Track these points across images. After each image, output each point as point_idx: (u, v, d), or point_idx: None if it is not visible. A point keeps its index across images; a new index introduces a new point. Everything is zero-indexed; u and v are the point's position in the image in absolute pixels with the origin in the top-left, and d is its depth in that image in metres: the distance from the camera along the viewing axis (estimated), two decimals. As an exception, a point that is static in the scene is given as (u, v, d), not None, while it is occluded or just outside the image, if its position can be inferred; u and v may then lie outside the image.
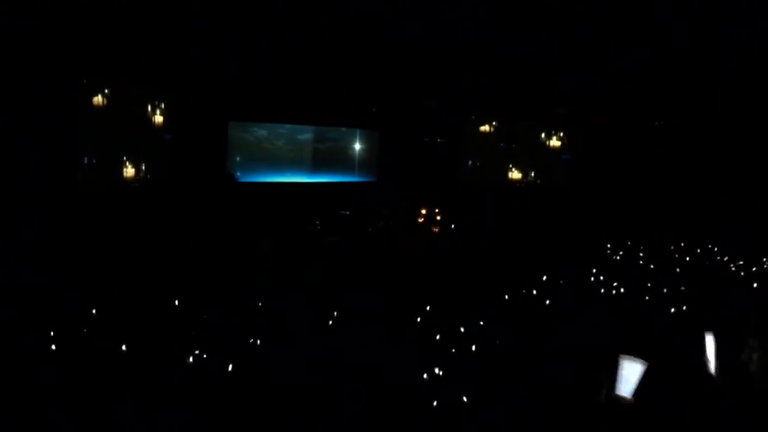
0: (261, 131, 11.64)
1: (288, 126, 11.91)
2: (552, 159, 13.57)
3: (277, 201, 10.95)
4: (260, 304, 6.06)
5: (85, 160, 8.97)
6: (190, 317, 5.57)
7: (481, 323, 5.80)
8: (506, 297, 6.68)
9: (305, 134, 12.14)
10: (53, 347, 4.72)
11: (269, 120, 11.70)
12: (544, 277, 7.50)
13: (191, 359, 4.68)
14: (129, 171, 9.75)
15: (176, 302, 5.94)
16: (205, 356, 4.75)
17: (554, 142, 13.63)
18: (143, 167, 9.95)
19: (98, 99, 9.13)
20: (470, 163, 13.60)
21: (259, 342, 5.11)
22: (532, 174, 13.65)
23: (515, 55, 12.06)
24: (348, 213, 11.07)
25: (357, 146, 12.78)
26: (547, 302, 6.56)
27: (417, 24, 11.23)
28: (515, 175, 13.63)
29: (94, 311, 5.51)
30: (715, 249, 9.90)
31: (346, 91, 11.89)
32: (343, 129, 12.61)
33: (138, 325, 5.28)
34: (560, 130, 13.52)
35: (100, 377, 4.33)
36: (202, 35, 10.01)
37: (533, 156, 13.58)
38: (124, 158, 9.67)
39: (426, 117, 12.82)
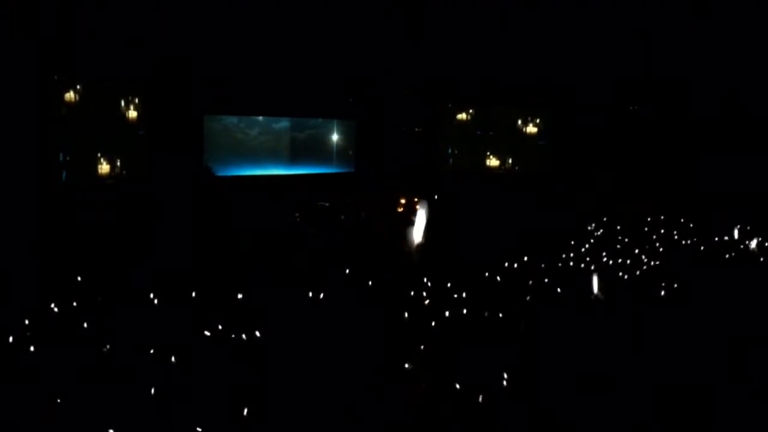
0: (237, 124, 11.55)
1: (264, 118, 11.84)
2: (529, 144, 13.66)
3: (255, 194, 10.90)
4: (241, 296, 6.05)
5: (59, 158, 8.86)
6: (171, 313, 5.55)
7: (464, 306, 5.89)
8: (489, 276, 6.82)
9: (282, 126, 12.08)
10: (30, 348, 4.68)
11: (245, 112, 11.61)
12: (525, 258, 7.80)
13: (173, 358, 4.65)
14: (104, 167, 9.65)
15: (155, 298, 5.91)
16: (184, 352, 4.73)
17: (530, 128, 13.71)
18: (118, 163, 9.85)
19: (70, 95, 9.02)
20: (448, 150, 13.64)
21: (243, 336, 5.11)
22: (510, 160, 13.71)
23: (490, 42, 12.10)
24: (327, 204, 11.04)
25: (334, 137, 12.74)
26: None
27: (392, 13, 11.22)
28: (493, 161, 13.69)
29: (70, 309, 5.46)
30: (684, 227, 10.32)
31: (322, 82, 11.85)
32: (320, 120, 12.56)
33: (117, 323, 5.26)
34: (536, 116, 13.60)
35: (76, 377, 4.30)
36: (175, 28, 9.90)
37: (510, 142, 13.66)
38: (99, 154, 9.56)
39: (403, 106, 12.81)
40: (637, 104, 12.98)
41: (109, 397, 4.08)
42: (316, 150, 12.55)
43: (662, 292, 6.79)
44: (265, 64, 11.09)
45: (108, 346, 4.73)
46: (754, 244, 9.03)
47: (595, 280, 6.88)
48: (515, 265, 7.64)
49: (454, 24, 11.67)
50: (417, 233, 8.35)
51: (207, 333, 5.16)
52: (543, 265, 7.68)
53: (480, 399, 4.20)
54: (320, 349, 4.93)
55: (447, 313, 5.80)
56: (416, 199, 7.56)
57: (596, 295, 6.64)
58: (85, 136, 9.25)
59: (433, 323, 5.57)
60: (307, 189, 11.54)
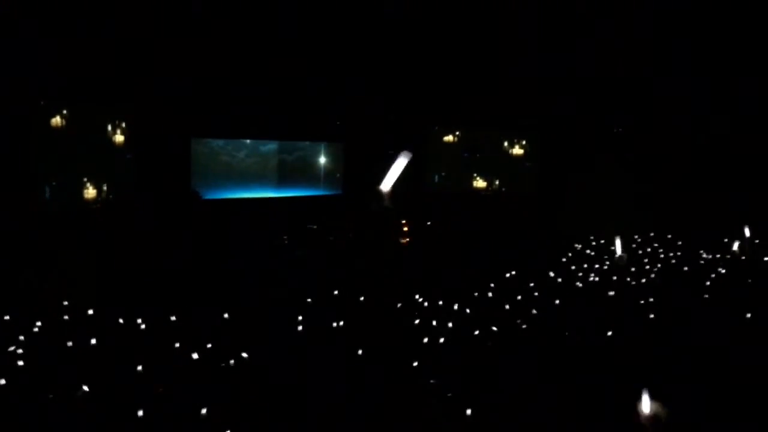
0: (224, 147, 11.53)
1: (252, 141, 11.82)
2: (515, 166, 13.72)
3: (243, 217, 10.86)
4: (229, 319, 6.00)
5: (44, 183, 8.80)
6: (157, 339, 5.48)
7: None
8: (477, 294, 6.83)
9: (269, 148, 12.07)
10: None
11: (232, 136, 11.59)
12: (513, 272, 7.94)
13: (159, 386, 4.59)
14: (90, 192, 9.58)
15: (142, 324, 5.86)
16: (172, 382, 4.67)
17: (517, 150, 13.79)
18: (104, 187, 9.78)
19: (56, 120, 8.99)
20: (435, 173, 13.67)
21: (231, 362, 5.05)
22: (497, 182, 13.77)
23: (476, 66, 12.21)
24: (315, 227, 11.02)
25: (322, 159, 12.74)
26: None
27: (379, 35, 11.31)
28: (480, 183, 13.74)
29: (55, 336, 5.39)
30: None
31: (309, 105, 11.87)
32: (308, 143, 12.57)
33: (102, 349, 5.19)
34: (522, 139, 13.69)
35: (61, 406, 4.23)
36: (160, 52, 9.92)
37: (497, 164, 13.72)
38: (85, 179, 9.50)
39: (390, 129, 12.85)
40: (621, 125, 13.13)
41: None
42: (303, 172, 12.54)
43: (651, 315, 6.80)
44: (252, 87, 11.10)
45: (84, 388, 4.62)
46: (735, 246, 9.22)
47: (618, 242, 7.10)
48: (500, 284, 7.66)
49: (441, 46, 11.78)
50: (388, 181, 8.30)
51: (195, 356, 5.11)
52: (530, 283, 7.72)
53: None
54: (309, 370, 4.89)
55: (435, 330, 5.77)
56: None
57: (619, 257, 6.89)
58: (70, 161, 9.20)
59: (425, 340, 5.55)
60: (295, 211, 11.52)
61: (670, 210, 11.80)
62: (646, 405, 4.22)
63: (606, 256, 9.07)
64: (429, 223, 11.73)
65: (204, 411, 4.20)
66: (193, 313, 6.12)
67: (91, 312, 6.13)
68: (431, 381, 4.50)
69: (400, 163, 8.24)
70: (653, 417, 4.49)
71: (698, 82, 11.87)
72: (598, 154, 12.88)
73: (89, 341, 5.36)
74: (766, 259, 9.20)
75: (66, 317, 6.00)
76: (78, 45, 8.86)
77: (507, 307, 6.72)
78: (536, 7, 11.32)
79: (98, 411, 4.19)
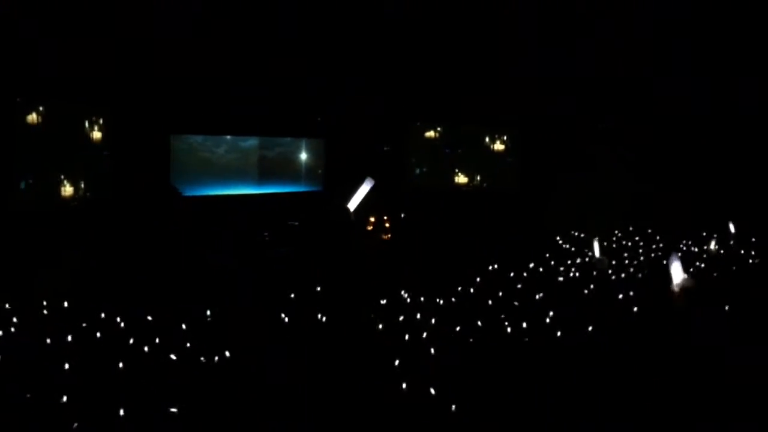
0: (204, 144, 11.43)
1: (232, 137, 11.74)
2: (497, 162, 13.76)
3: (223, 214, 10.78)
4: (212, 317, 5.95)
5: (21, 181, 8.67)
6: (137, 337, 5.41)
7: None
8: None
9: (250, 144, 11.99)
10: None
11: (212, 132, 11.50)
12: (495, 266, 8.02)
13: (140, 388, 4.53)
14: (67, 190, 9.46)
15: (122, 323, 5.79)
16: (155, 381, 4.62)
17: (498, 146, 13.83)
18: (82, 185, 9.66)
19: (33, 117, 8.86)
20: (416, 169, 13.67)
21: (216, 358, 5.00)
22: (478, 177, 13.80)
23: (457, 61, 12.21)
24: (297, 223, 10.97)
25: (303, 156, 12.69)
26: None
27: (360, 32, 11.27)
28: (461, 179, 13.76)
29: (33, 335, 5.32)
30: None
31: (290, 101, 11.80)
32: (289, 139, 12.51)
33: (83, 352, 5.13)
34: (504, 135, 13.73)
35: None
36: (138, 48, 9.80)
37: (478, 160, 13.75)
38: (62, 177, 9.38)
39: (371, 124, 12.82)
40: (603, 120, 13.21)
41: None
42: (284, 169, 12.48)
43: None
44: (231, 83, 11.02)
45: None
46: (712, 245, 9.29)
47: (596, 245, 7.07)
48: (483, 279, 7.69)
49: (422, 42, 11.76)
50: (353, 203, 8.41)
51: (173, 357, 5.05)
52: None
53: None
54: (292, 368, 4.85)
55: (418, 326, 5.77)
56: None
57: (599, 260, 6.85)
58: (47, 159, 9.07)
59: (406, 337, 5.54)
60: (276, 208, 11.46)
61: (653, 206, 11.90)
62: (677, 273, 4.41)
63: (587, 251, 9.13)
64: (411, 219, 11.72)
65: (184, 410, 4.15)
66: (173, 311, 6.06)
67: (69, 310, 6.05)
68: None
69: (364, 189, 8.53)
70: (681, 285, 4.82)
71: (682, 78, 11.98)
72: (581, 150, 12.96)
73: (67, 339, 5.28)
74: (747, 251, 9.32)
75: (44, 316, 5.92)
76: (55, 42, 8.73)
77: (489, 302, 6.74)
78: (519, 4, 11.35)
79: (78, 410, 4.13)
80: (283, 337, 5.67)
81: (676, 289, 6.71)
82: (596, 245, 7.55)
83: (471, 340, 5.62)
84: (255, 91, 11.32)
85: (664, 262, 7.06)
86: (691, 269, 7.49)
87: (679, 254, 7.17)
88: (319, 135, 12.76)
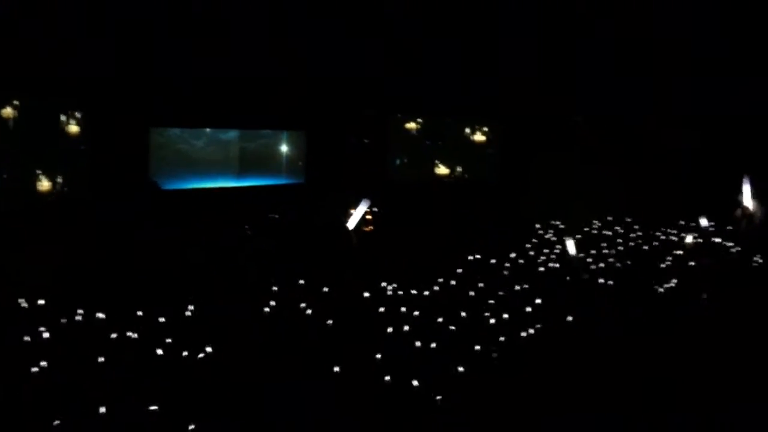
0: (183, 136, 11.32)
1: (212, 130, 11.63)
2: (477, 153, 13.78)
3: (204, 207, 10.68)
4: (193, 311, 5.91)
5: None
6: (117, 333, 5.37)
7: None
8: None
9: (230, 137, 11.89)
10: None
11: (192, 125, 11.38)
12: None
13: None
14: (44, 185, 9.34)
15: (103, 316, 5.74)
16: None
17: (478, 137, 13.85)
18: (60, 180, 9.53)
19: (7, 111, 8.73)
20: (397, 161, 13.65)
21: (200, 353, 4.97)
22: (459, 169, 13.81)
23: (438, 54, 12.20)
24: (278, 216, 10.92)
25: (284, 148, 12.61)
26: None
27: (340, 24, 11.21)
28: (442, 170, 13.76)
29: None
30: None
31: (270, 93, 11.70)
32: (269, 131, 12.42)
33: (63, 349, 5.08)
34: (484, 126, 13.74)
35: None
36: (117, 40, 9.66)
37: (459, 151, 13.76)
38: (38, 172, 9.25)
39: (352, 117, 12.76)
40: (579, 113, 13.28)
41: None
42: (265, 161, 12.39)
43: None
44: (212, 75, 10.89)
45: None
46: (689, 238, 9.34)
47: (570, 243, 7.06)
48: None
49: (402, 35, 11.73)
50: (352, 222, 8.52)
51: (159, 351, 5.02)
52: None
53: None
54: (274, 361, 4.84)
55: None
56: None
57: (572, 257, 6.85)
58: (23, 154, 8.94)
59: (389, 329, 5.55)
60: (257, 201, 11.38)
61: (630, 195, 11.99)
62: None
63: (563, 250, 9.19)
64: (392, 211, 11.72)
65: (165, 406, 4.12)
66: (153, 306, 6.01)
67: (44, 307, 5.98)
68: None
69: (361, 208, 8.79)
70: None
71: (659, 71, 12.07)
72: (559, 141, 13.03)
73: (43, 336, 5.22)
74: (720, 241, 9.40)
75: (22, 313, 5.85)
76: (30, 35, 8.60)
77: (472, 293, 6.76)
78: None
79: (59, 407, 4.09)
80: (265, 329, 5.66)
81: (740, 211, 6.86)
82: (570, 243, 7.53)
83: (452, 329, 5.64)
84: (235, 84, 11.20)
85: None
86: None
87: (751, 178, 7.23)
88: (299, 127, 12.68)
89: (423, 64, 12.36)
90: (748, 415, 4.20)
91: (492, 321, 5.88)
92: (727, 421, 4.14)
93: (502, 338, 5.49)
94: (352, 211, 8.50)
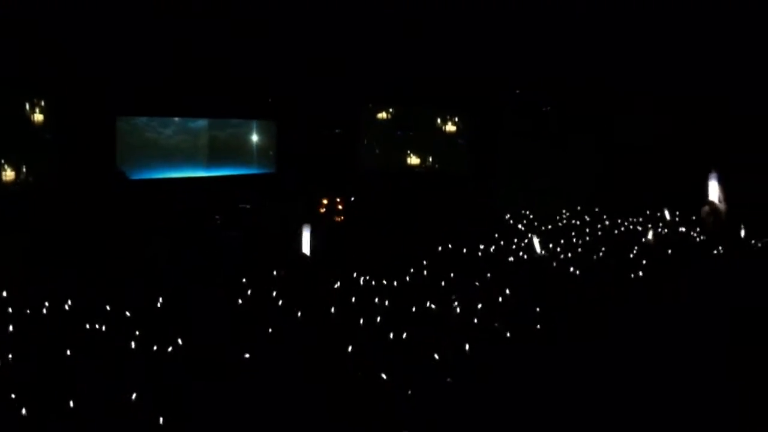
0: (151, 125, 11.17)
1: (181, 119, 11.49)
2: (449, 144, 13.86)
3: (172, 197, 10.57)
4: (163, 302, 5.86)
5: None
6: (86, 326, 5.30)
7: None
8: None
9: (199, 125, 11.76)
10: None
11: (160, 113, 11.24)
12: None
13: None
14: (8, 174, 9.17)
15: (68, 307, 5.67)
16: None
17: (450, 128, 13.92)
18: (24, 170, 9.36)
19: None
20: (369, 151, 13.66)
21: (170, 348, 4.93)
22: (430, 159, 13.88)
23: (409, 43, 12.19)
24: (248, 206, 10.87)
25: (254, 138, 12.53)
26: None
27: (311, 13, 11.13)
28: (414, 160, 13.82)
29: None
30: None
31: (240, 82, 11.59)
32: (239, 120, 12.32)
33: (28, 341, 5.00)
34: (455, 116, 13.81)
35: None
36: (82, 27, 9.47)
37: (430, 142, 13.82)
38: (2, 162, 9.08)
39: (323, 106, 12.72)
40: (552, 104, 13.41)
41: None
42: (235, 151, 12.30)
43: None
44: (180, 63, 10.74)
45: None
46: (650, 235, 9.39)
47: (536, 240, 7.12)
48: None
49: (372, 23, 11.69)
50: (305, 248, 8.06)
51: (133, 344, 4.96)
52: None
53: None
54: (243, 354, 4.81)
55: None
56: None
57: (538, 255, 6.91)
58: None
59: (361, 321, 5.55)
60: (227, 191, 11.31)
61: (598, 186, 12.15)
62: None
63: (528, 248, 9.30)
64: (363, 200, 11.74)
65: (134, 398, 4.09)
66: (121, 298, 5.94)
67: (11, 298, 5.88)
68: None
69: (306, 234, 8.76)
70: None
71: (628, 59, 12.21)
72: (530, 131, 13.15)
73: (7, 330, 5.14)
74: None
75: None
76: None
77: (442, 283, 6.79)
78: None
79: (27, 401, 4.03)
80: (236, 321, 5.62)
81: (707, 208, 6.87)
82: (536, 241, 7.57)
83: (424, 319, 5.67)
84: (204, 72, 11.07)
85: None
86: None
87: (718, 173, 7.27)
88: (270, 116, 12.60)
89: (394, 53, 12.34)
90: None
91: (460, 311, 5.91)
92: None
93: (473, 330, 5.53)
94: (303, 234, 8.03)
